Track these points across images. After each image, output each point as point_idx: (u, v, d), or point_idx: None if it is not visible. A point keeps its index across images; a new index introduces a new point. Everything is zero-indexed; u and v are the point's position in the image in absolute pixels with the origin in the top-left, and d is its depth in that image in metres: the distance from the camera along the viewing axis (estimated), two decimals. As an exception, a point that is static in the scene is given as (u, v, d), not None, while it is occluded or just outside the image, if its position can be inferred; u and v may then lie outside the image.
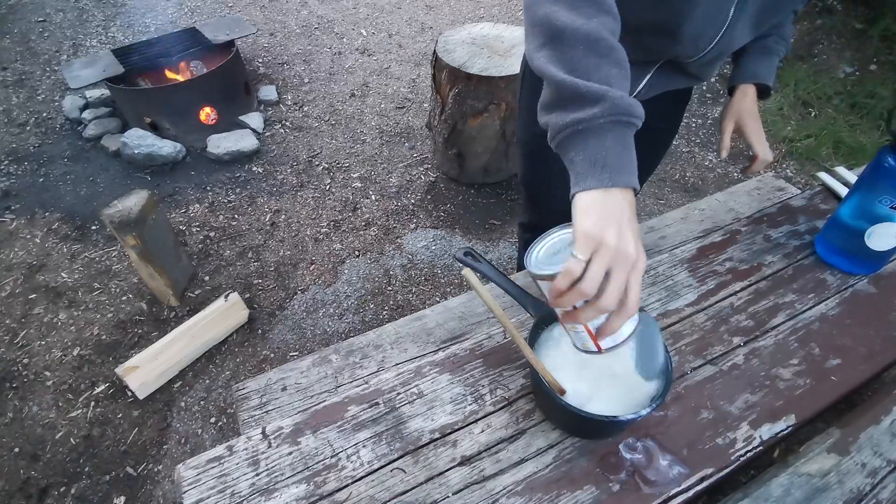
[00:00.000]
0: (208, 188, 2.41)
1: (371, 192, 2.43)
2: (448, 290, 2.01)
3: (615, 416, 0.61)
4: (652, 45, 0.81)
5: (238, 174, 2.49)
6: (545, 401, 0.70)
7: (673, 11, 0.73)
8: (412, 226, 2.27)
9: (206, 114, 2.60)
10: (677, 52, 0.80)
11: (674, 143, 2.72)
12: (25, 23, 3.55)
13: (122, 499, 1.44)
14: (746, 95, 0.98)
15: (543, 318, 0.72)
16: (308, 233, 2.23)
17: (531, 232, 1.42)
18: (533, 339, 0.70)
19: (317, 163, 2.57)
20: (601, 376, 0.68)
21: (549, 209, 1.32)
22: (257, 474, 0.64)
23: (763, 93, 1.00)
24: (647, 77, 0.89)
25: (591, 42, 0.58)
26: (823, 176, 1.17)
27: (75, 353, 1.77)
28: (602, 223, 0.53)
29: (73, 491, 1.46)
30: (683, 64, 0.84)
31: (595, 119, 0.55)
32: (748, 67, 0.98)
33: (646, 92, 0.92)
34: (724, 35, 0.77)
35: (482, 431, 0.69)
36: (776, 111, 2.90)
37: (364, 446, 0.67)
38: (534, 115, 0.96)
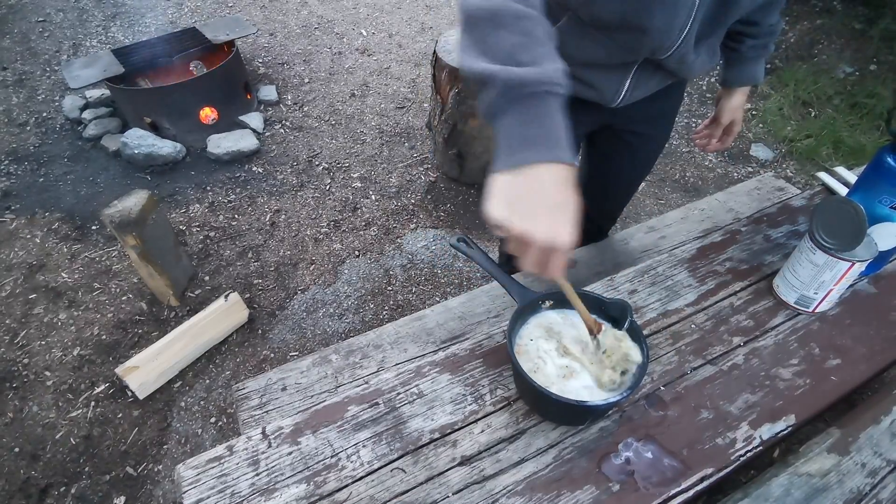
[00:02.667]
0: (208, 188, 2.41)
1: (371, 192, 2.43)
2: (448, 290, 2.01)
3: (584, 401, 0.62)
4: (624, 42, 0.81)
5: (238, 174, 2.49)
6: (520, 382, 0.70)
7: (639, 4, 0.73)
8: (412, 226, 2.27)
9: (206, 114, 2.60)
10: (650, 46, 0.80)
11: (674, 143, 2.74)
12: (25, 23, 3.56)
13: (122, 499, 1.44)
14: (743, 94, 1.09)
15: (528, 305, 0.73)
16: (308, 233, 2.23)
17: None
18: (515, 325, 0.71)
19: (317, 163, 2.57)
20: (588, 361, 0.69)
21: None
22: (257, 474, 0.64)
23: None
24: (629, 79, 0.89)
25: (493, 15, 0.57)
26: (823, 176, 1.18)
27: (75, 353, 1.77)
28: (507, 211, 0.53)
29: (73, 491, 1.46)
30: (660, 61, 0.84)
31: (494, 103, 0.55)
32: (746, 72, 1.04)
33: (630, 94, 0.93)
34: (692, 25, 0.77)
35: (482, 431, 0.69)
36: (776, 111, 2.90)
37: (364, 446, 0.67)
38: None
